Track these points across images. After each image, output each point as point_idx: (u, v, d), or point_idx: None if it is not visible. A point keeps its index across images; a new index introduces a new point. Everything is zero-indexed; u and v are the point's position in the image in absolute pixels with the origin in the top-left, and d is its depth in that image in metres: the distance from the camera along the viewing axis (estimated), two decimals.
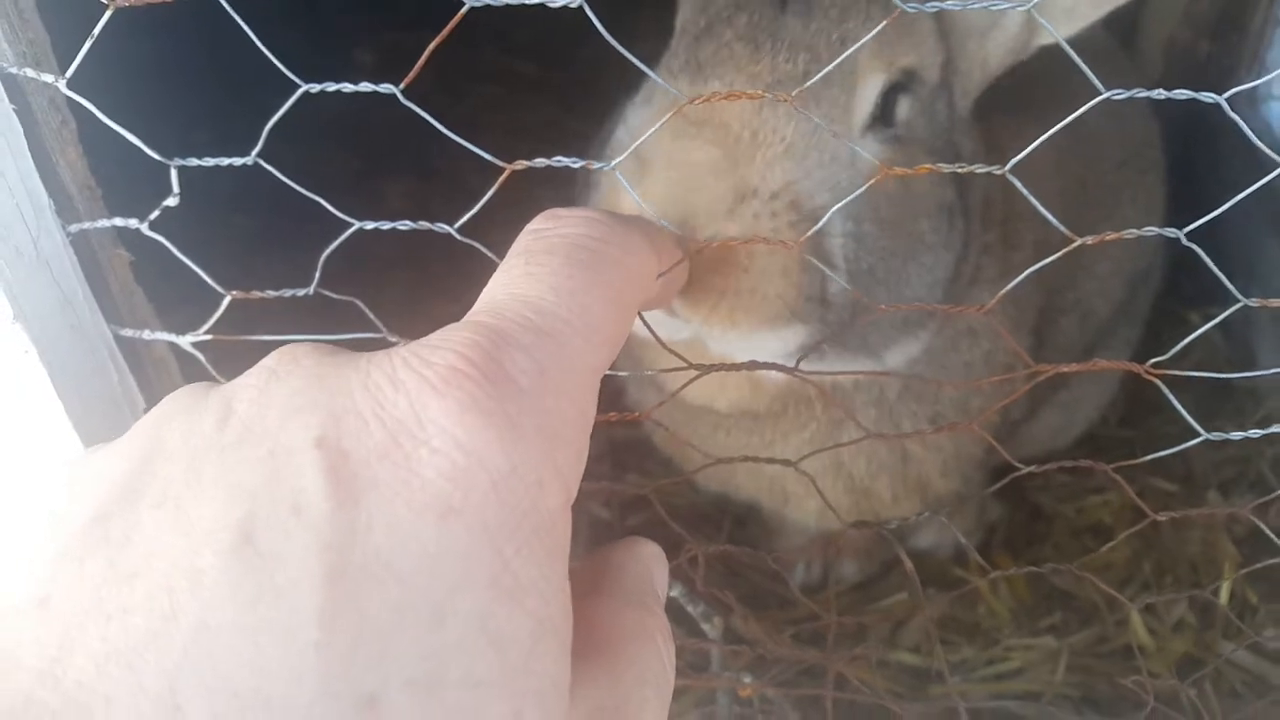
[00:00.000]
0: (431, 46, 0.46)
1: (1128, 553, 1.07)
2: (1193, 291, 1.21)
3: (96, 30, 0.49)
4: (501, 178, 0.52)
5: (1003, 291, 0.51)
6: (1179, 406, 0.53)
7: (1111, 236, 0.49)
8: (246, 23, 0.50)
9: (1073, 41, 0.44)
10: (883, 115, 0.69)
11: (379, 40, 1.74)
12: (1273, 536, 0.65)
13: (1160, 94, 0.45)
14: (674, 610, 0.97)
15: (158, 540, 0.29)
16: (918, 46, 0.70)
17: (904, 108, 0.70)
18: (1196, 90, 0.46)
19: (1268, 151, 0.46)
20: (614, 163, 0.51)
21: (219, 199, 1.11)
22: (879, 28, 0.45)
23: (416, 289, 1.12)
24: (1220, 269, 0.51)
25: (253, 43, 0.50)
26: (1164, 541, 1.09)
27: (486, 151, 0.50)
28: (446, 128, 0.51)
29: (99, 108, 0.54)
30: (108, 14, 0.48)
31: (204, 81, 1.53)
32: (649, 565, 0.43)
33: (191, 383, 0.70)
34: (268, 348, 0.65)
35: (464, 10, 0.45)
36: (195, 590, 0.28)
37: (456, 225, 0.55)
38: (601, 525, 1.08)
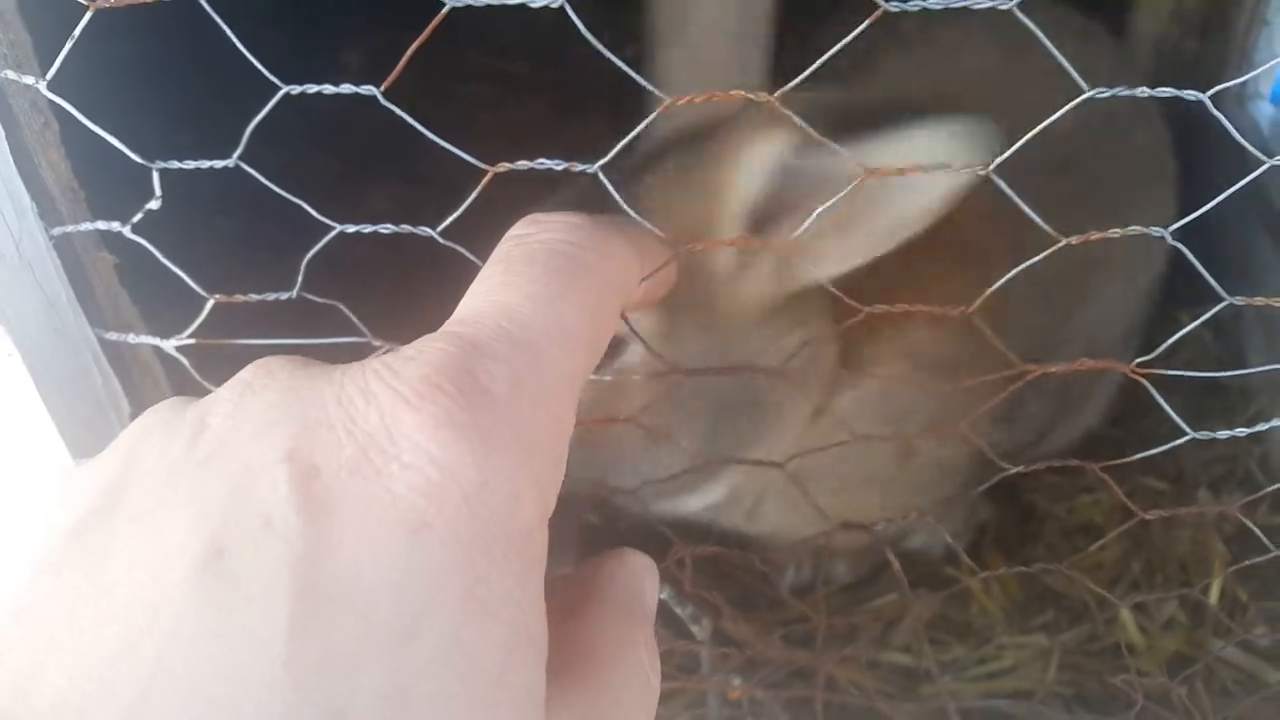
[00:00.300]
0: (412, 48, 0.46)
1: (1118, 551, 1.07)
2: (1185, 291, 1.21)
3: (76, 32, 0.49)
4: (484, 181, 0.51)
5: (986, 293, 0.51)
6: (1165, 405, 0.53)
7: (1096, 236, 0.49)
8: (230, 24, 0.50)
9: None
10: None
11: (365, 41, 1.73)
12: (1260, 535, 0.65)
13: (1144, 92, 0.45)
14: (663, 612, 0.96)
15: (133, 554, 0.30)
16: None
17: (632, 352, 0.71)
18: (1182, 89, 0.47)
19: (1254, 152, 0.46)
20: (597, 165, 0.50)
21: (204, 200, 1.10)
22: (862, 25, 0.44)
23: (404, 290, 1.12)
24: (1211, 268, 0.51)
25: (235, 46, 0.49)
26: (1154, 540, 1.09)
27: (475, 153, 0.50)
28: (432, 130, 0.51)
29: (83, 108, 0.53)
30: (87, 15, 0.48)
31: (189, 82, 1.52)
32: (639, 577, 0.43)
33: (177, 384, 0.70)
34: (253, 351, 0.65)
35: (445, 11, 0.45)
36: (168, 603, 0.28)
37: (439, 229, 0.55)
38: (591, 530, 1.08)
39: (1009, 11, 0.41)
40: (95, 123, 0.53)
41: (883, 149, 0.56)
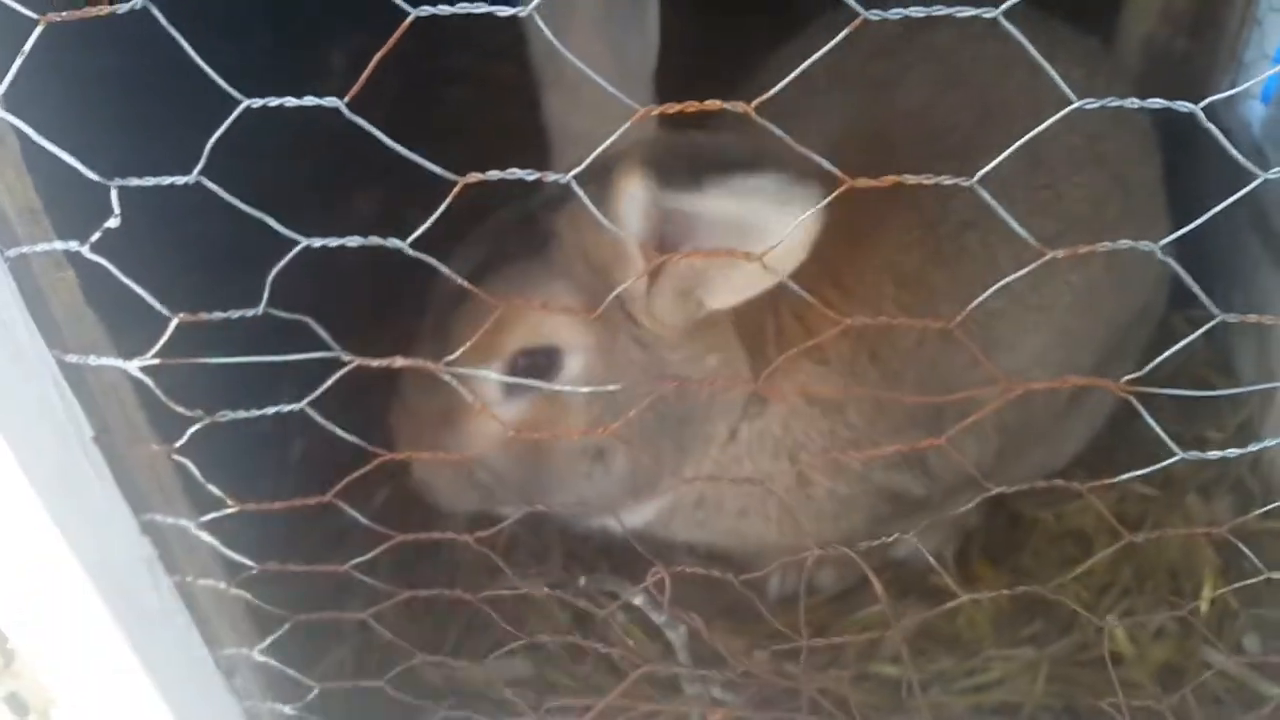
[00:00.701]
0: (376, 58, 0.44)
1: (1107, 559, 1.06)
2: (1175, 294, 1.20)
3: (27, 46, 0.47)
4: (453, 192, 0.50)
5: (970, 306, 0.49)
6: (1156, 426, 0.51)
7: (1085, 249, 0.48)
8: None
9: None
10: (538, 375, 0.80)
11: (351, 42, 1.71)
12: (1247, 553, 0.64)
13: (1134, 103, 0.44)
14: (645, 627, 0.95)
15: None
16: (533, 330, 0.81)
17: (572, 365, 0.81)
18: (1173, 96, 0.45)
19: (1248, 165, 0.45)
20: (569, 175, 0.49)
21: (183, 208, 1.08)
22: (843, 33, 0.43)
23: (385, 295, 1.10)
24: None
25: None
26: (1143, 547, 1.07)
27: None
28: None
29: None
30: (38, 30, 0.46)
31: (169, 88, 1.49)
32: None
33: (146, 405, 0.68)
34: (222, 370, 0.63)
35: (409, 21, 0.43)
36: None
37: (409, 240, 0.53)
38: (576, 540, 1.06)
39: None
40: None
41: (731, 192, 0.66)
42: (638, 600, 0.84)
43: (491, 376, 0.81)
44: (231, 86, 0.48)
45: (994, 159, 0.45)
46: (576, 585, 0.88)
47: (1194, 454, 0.53)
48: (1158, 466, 0.56)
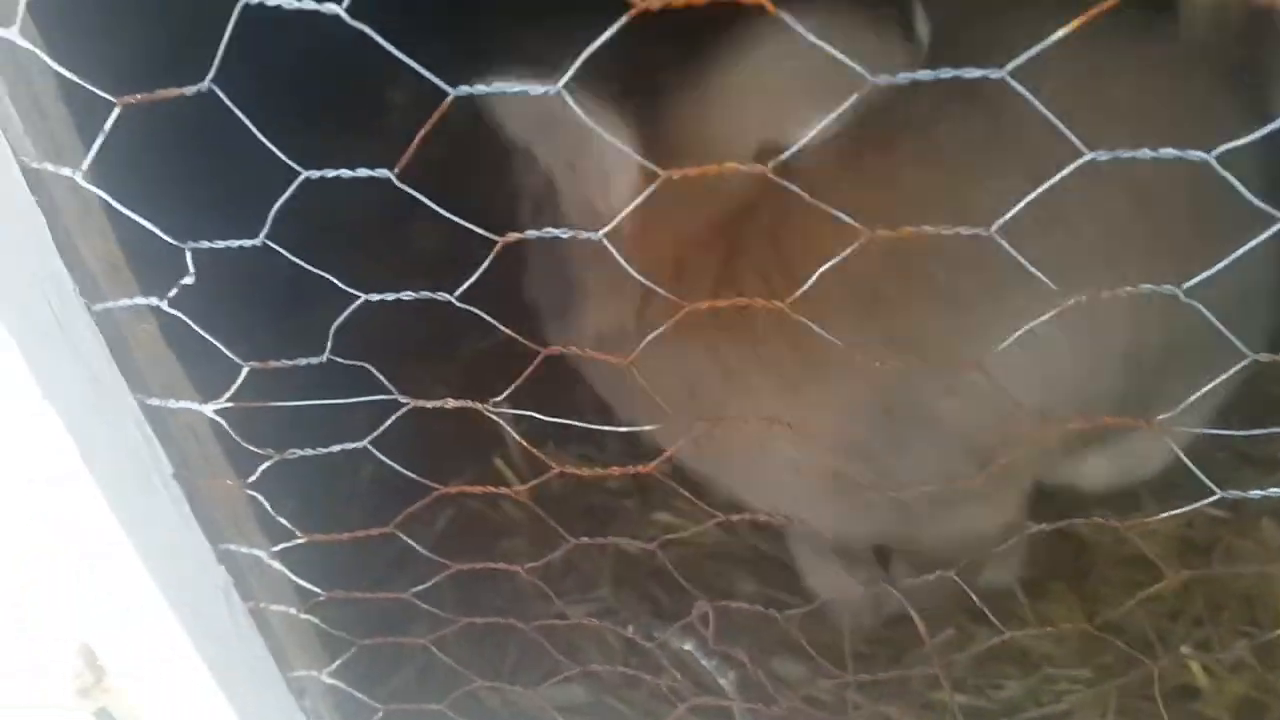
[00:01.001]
0: (421, 134, 0.48)
1: (1177, 584, 1.03)
2: None
3: (107, 126, 0.51)
4: (495, 250, 0.53)
5: (1007, 342, 0.50)
6: (1192, 466, 0.51)
7: (1107, 294, 0.48)
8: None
9: None
10: None
11: (410, 78, 1.77)
12: None
13: (1146, 154, 0.44)
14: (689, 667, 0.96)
15: None
16: None
17: None
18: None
19: (1271, 211, 0.44)
20: (602, 232, 0.51)
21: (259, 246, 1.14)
22: (848, 102, 0.44)
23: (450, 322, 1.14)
24: None
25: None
26: (1215, 575, 1.04)
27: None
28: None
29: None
30: (115, 113, 0.50)
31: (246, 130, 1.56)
32: None
33: (222, 442, 0.73)
34: (290, 412, 0.67)
35: (450, 99, 0.47)
36: None
37: (456, 294, 0.56)
38: (628, 560, 1.08)
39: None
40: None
41: None
42: (688, 645, 0.85)
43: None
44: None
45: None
46: (624, 626, 0.89)
47: (1234, 492, 0.53)
48: (1202, 503, 0.56)
